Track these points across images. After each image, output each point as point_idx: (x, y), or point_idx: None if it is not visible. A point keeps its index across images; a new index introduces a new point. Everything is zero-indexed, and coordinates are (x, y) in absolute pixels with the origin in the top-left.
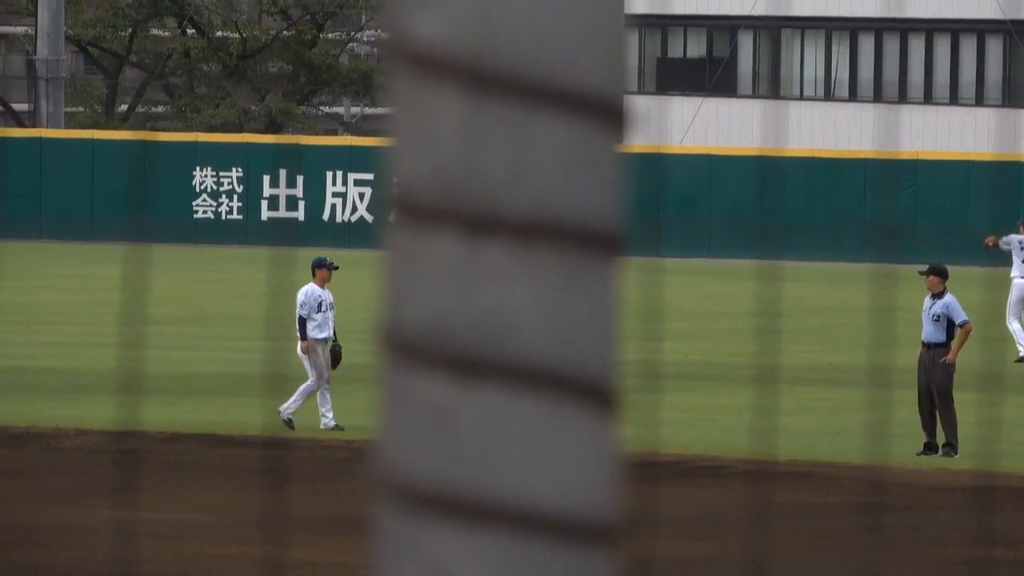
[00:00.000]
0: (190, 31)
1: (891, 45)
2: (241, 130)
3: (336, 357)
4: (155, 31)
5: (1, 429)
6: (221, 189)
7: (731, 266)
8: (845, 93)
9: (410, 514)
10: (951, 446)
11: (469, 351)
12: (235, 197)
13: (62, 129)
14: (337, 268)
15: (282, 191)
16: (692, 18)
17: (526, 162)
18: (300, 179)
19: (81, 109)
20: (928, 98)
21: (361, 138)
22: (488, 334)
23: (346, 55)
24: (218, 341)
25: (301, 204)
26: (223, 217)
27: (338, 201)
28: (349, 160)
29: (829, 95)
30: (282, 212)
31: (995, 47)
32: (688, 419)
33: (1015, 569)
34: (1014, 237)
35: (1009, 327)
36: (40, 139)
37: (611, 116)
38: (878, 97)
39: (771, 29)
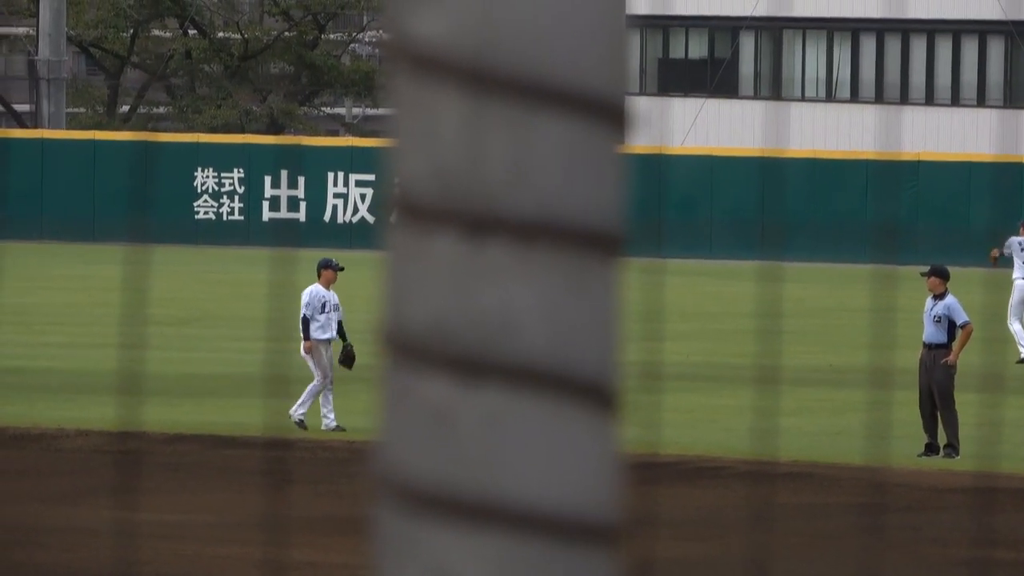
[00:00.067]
0: (192, 32)
1: (892, 46)
2: (242, 131)
3: (350, 357)
4: (156, 32)
5: (2, 429)
6: (222, 190)
7: (732, 267)
8: (847, 94)
9: (411, 514)
10: (952, 447)
11: (470, 351)
12: (236, 198)
13: (63, 130)
14: (343, 269)
15: (283, 192)
16: (693, 19)
17: (527, 162)
18: (301, 180)
19: (82, 110)
20: (930, 99)
21: (362, 139)
22: (489, 334)
23: (348, 56)
24: (219, 342)
25: (302, 205)
26: (224, 218)
27: (339, 202)
28: (350, 161)
29: (831, 96)
30: (283, 213)
31: (997, 48)
32: (689, 420)
33: (1016, 570)
34: (1014, 239)
35: (1010, 328)
36: (41, 140)
37: (612, 117)
38: (880, 98)
39: (773, 30)
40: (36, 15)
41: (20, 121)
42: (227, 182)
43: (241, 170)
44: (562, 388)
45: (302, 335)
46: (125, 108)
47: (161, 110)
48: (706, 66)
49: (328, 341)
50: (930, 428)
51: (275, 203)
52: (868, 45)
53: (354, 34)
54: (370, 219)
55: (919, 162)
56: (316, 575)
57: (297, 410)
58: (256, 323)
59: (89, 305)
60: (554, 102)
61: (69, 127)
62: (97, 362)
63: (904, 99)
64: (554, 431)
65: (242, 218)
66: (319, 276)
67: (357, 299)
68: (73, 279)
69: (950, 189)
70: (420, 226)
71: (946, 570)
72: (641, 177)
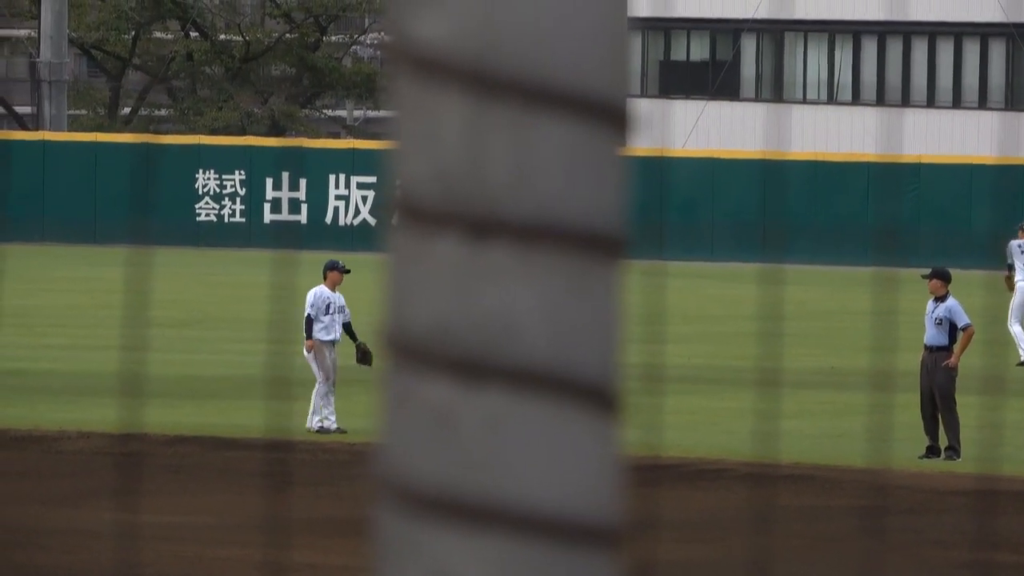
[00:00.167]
0: (193, 34)
1: (894, 48)
2: (244, 133)
3: (366, 354)
4: (158, 34)
5: (3, 431)
6: (224, 192)
7: (733, 269)
8: (848, 96)
9: (412, 516)
10: (953, 449)
11: (471, 354)
12: (238, 200)
13: (65, 132)
14: (348, 272)
15: (285, 194)
16: (695, 21)
17: (529, 165)
18: (303, 182)
19: (84, 112)
20: (931, 101)
21: (364, 141)
22: (490, 337)
23: (349, 58)
24: (220, 344)
25: (304, 207)
26: (226, 220)
27: (341, 204)
28: (352, 163)
29: (832, 98)
30: (285, 215)
31: (998, 50)
32: (690, 422)
33: (1017, 573)
34: (1014, 243)
35: (1010, 330)
36: (43, 142)
37: (614, 119)
38: (881, 100)
39: (774, 32)
40: (38, 17)
41: (22, 123)
42: (228, 184)
43: (242, 172)
44: (564, 390)
45: (305, 335)
46: (126, 110)
47: (162, 112)
48: (707, 68)
49: (332, 343)
50: (931, 430)
51: (276, 205)
52: (869, 47)
53: (355, 36)
54: (371, 221)
55: (920, 164)
56: None
57: (312, 421)
58: (257, 325)
59: (91, 307)
60: (556, 104)
61: (71, 129)
62: (98, 364)
63: (905, 102)
64: (555, 433)
65: (243, 220)
66: (325, 277)
67: (359, 301)
68: (75, 281)
69: (951, 191)
70: (422, 228)
71: (948, 573)
72: (642, 179)
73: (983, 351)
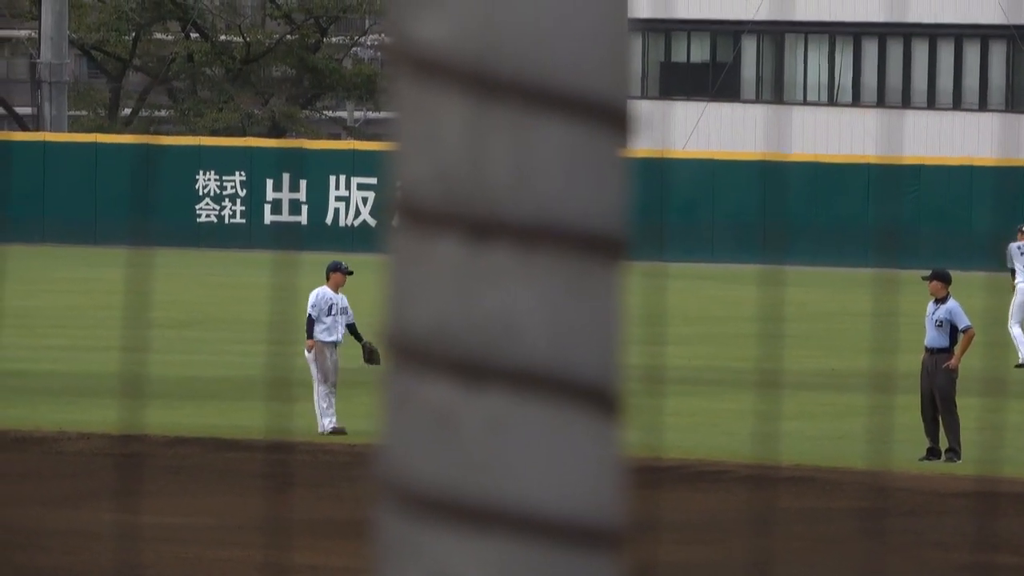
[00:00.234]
0: (193, 35)
1: (894, 50)
2: (244, 134)
3: (373, 354)
4: (158, 35)
5: (4, 432)
6: (224, 193)
7: (734, 271)
8: (848, 98)
9: (413, 518)
10: (954, 451)
11: (472, 355)
12: (238, 201)
13: (65, 133)
14: (351, 273)
15: (285, 195)
16: (696, 22)
17: (529, 166)
18: (303, 183)
19: (84, 113)
20: (931, 103)
21: (364, 142)
22: (491, 338)
23: (349, 59)
24: (221, 345)
25: (304, 208)
26: (226, 221)
27: (341, 205)
28: (352, 164)
29: (832, 100)
30: (285, 216)
31: (998, 52)
32: (690, 424)
33: (1018, 574)
34: (1013, 245)
35: (1011, 332)
36: (43, 143)
37: (615, 120)
38: (881, 102)
39: (775, 34)
40: (38, 18)
41: (22, 124)
42: (229, 185)
43: (243, 173)
44: (564, 392)
45: (306, 334)
46: (127, 111)
47: (163, 113)
48: (708, 70)
49: (334, 344)
50: (931, 432)
51: (277, 206)
52: (870, 49)
53: (356, 38)
54: (372, 222)
55: (921, 166)
56: None
57: (324, 424)
58: (258, 326)
59: (91, 308)
60: (556, 106)
61: (71, 130)
62: (99, 365)
63: (906, 103)
64: (556, 435)
65: (244, 221)
66: (328, 279)
67: (359, 302)
68: (75, 282)
69: (952, 193)
70: (422, 229)
71: (948, 574)
72: (643, 181)
73: (984, 353)
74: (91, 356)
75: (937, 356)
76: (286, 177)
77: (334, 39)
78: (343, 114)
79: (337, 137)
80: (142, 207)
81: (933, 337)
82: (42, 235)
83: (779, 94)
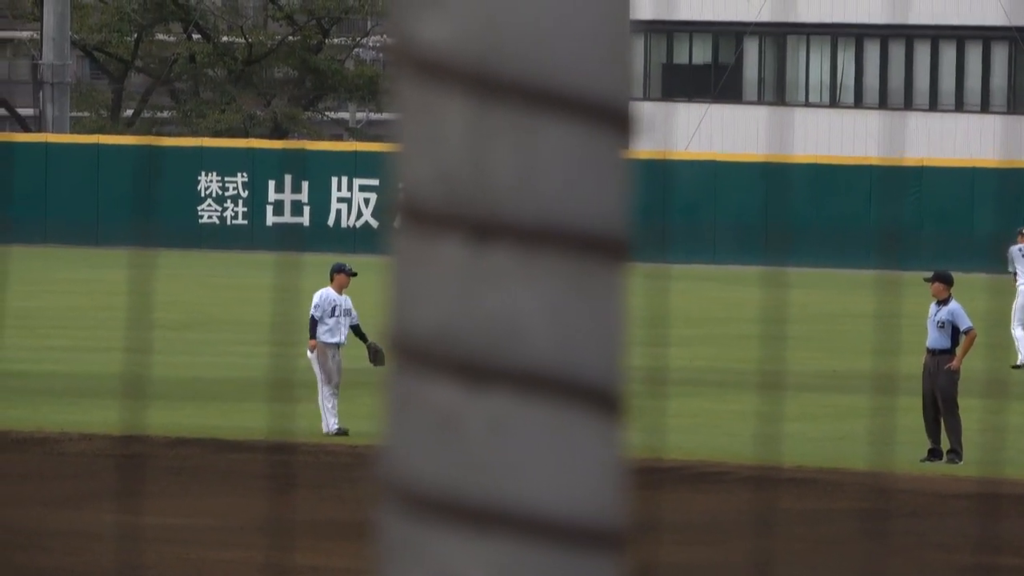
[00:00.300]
0: (196, 36)
1: (896, 51)
2: (246, 135)
3: (378, 354)
4: (161, 36)
5: (5, 433)
6: (226, 194)
7: (736, 272)
8: (850, 99)
9: (415, 519)
10: (955, 453)
11: (475, 356)
12: (240, 202)
13: (67, 134)
14: (355, 275)
15: (287, 196)
16: (697, 24)
17: (532, 167)
18: (305, 184)
19: (86, 114)
20: (933, 104)
21: (366, 143)
22: (494, 339)
23: (351, 60)
24: (223, 346)
25: (306, 209)
26: (228, 222)
27: (343, 206)
28: (354, 165)
29: (834, 101)
30: (287, 217)
31: (1000, 54)
32: (692, 425)
33: None
34: (1014, 248)
35: (1013, 334)
36: (45, 144)
37: (617, 121)
38: (883, 103)
39: (777, 35)
40: (40, 19)
41: (24, 125)
42: (231, 186)
43: (245, 174)
44: (567, 393)
45: (309, 335)
46: (129, 112)
47: (165, 114)
48: (710, 71)
49: (336, 345)
50: (933, 434)
51: (279, 207)
52: (872, 51)
53: (358, 39)
54: (374, 224)
55: (923, 167)
56: None
57: (329, 424)
58: (260, 327)
59: (93, 309)
60: (559, 107)
61: (73, 131)
62: (101, 366)
63: (908, 105)
64: (559, 436)
65: (246, 222)
66: (332, 280)
67: (360, 303)
68: (77, 283)
69: (954, 195)
70: (425, 231)
71: None
72: (645, 182)
73: (985, 354)
74: (93, 357)
75: (939, 357)
76: (288, 178)
77: (336, 40)
78: (345, 115)
79: (339, 138)
80: (144, 208)
81: (935, 339)
82: (44, 236)
83: (781, 95)
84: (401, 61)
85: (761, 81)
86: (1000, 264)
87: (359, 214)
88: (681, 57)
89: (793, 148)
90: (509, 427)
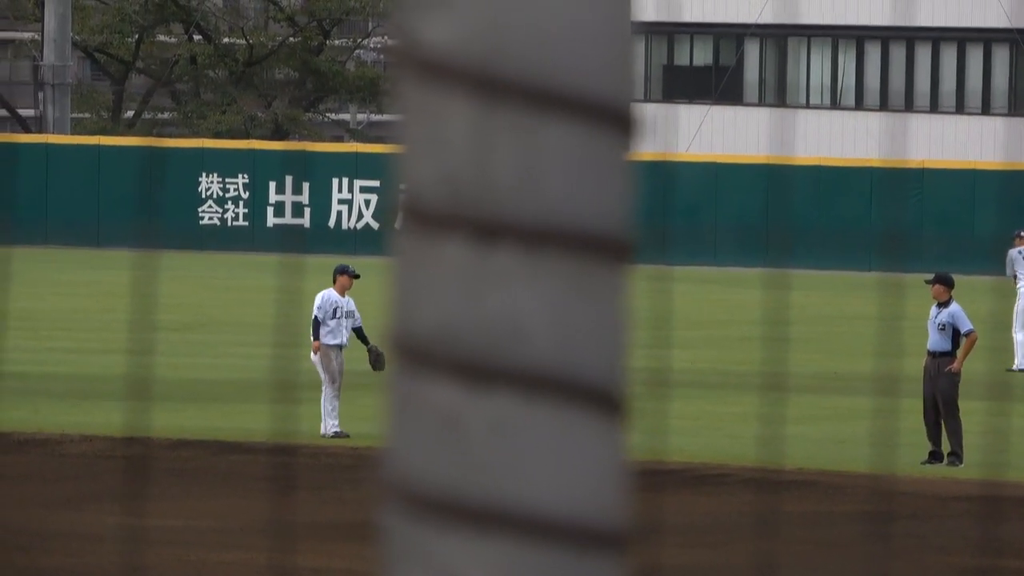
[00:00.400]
0: (197, 37)
1: (897, 53)
2: (247, 136)
3: (379, 358)
4: (162, 37)
5: (7, 434)
6: (227, 195)
7: (737, 274)
8: (851, 101)
9: (418, 520)
10: (955, 455)
11: (478, 357)
12: (241, 203)
13: (68, 135)
14: (358, 277)
15: (288, 198)
16: (699, 26)
17: (535, 168)
18: (306, 186)
19: (87, 115)
20: (934, 106)
21: (367, 145)
22: (497, 340)
23: (352, 62)
24: (224, 347)
25: (307, 211)
26: (229, 223)
27: (344, 208)
28: (355, 167)
29: (835, 103)
30: (288, 219)
31: (1002, 55)
32: (694, 427)
33: None
34: (1013, 251)
35: (1014, 336)
36: (46, 145)
37: (620, 122)
38: (884, 105)
39: (778, 37)
40: (41, 20)
41: (25, 126)
42: (232, 188)
43: (246, 176)
44: (570, 394)
45: (312, 337)
46: (130, 113)
47: (166, 115)
48: (711, 73)
49: (339, 347)
50: (934, 436)
51: (280, 209)
52: (873, 52)
53: (359, 40)
54: (374, 225)
55: (924, 170)
56: None
57: (327, 427)
58: (261, 329)
59: (94, 310)
60: (562, 108)
61: (74, 132)
62: (102, 367)
63: (909, 106)
64: (562, 437)
65: (247, 224)
66: (334, 281)
67: (362, 304)
68: (78, 285)
69: (955, 196)
70: (428, 232)
71: None
72: (646, 184)
73: (986, 357)
74: (94, 358)
75: (939, 360)
76: (289, 180)
77: (337, 42)
78: (346, 117)
79: (340, 140)
80: (145, 209)
81: (935, 341)
82: (45, 237)
83: (782, 97)
84: (404, 62)
85: (762, 83)
86: (1002, 266)
87: (360, 216)
88: (682, 59)
89: (794, 150)
90: (511, 428)
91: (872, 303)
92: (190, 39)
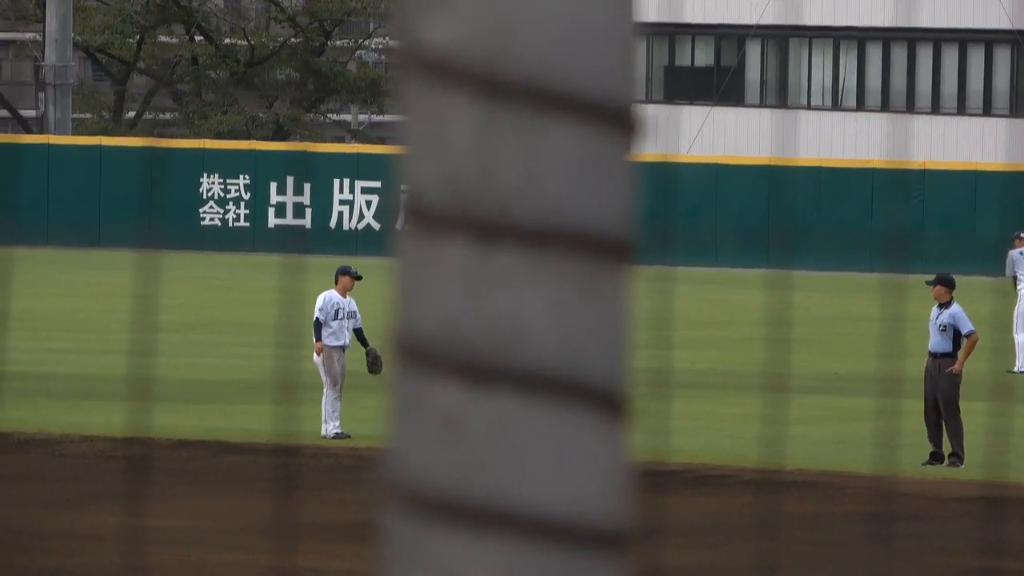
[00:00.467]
0: (198, 38)
1: (899, 54)
2: (248, 137)
3: (377, 361)
4: (163, 38)
5: (7, 434)
6: (228, 196)
7: (739, 275)
8: (853, 102)
9: (420, 520)
10: (956, 456)
11: (480, 357)
12: (242, 204)
13: (69, 135)
14: (360, 278)
15: (289, 198)
16: (700, 27)
17: (538, 169)
18: (307, 186)
19: (89, 115)
20: (936, 107)
21: (368, 146)
22: (499, 340)
23: (354, 62)
24: (225, 348)
25: (308, 211)
26: (230, 224)
27: (345, 208)
28: (356, 167)
29: (837, 104)
30: (289, 219)
31: (1003, 57)
32: (695, 427)
33: None
34: (1013, 252)
35: (1015, 337)
36: (48, 145)
37: (622, 123)
38: (886, 106)
39: (779, 38)
40: (43, 20)
41: (26, 127)
42: (233, 188)
43: (247, 176)
44: (572, 394)
45: (314, 338)
46: (131, 114)
47: (167, 116)
48: (712, 74)
49: (341, 348)
50: (935, 437)
51: (281, 209)
52: (874, 53)
53: (360, 41)
54: (376, 226)
55: (925, 171)
56: None
57: (328, 428)
58: (262, 329)
59: (95, 311)
60: (565, 109)
61: (75, 133)
62: (103, 368)
63: (910, 107)
64: (564, 437)
65: (248, 224)
66: (336, 282)
67: (363, 305)
68: (79, 285)
69: (956, 198)
70: (430, 232)
71: None
72: (648, 185)
73: (988, 358)
74: (95, 359)
75: (941, 361)
76: (290, 180)
77: (338, 42)
78: (347, 117)
79: (341, 140)
80: (146, 210)
81: (937, 342)
82: (46, 238)
83: (784, 98)
84: (407, 63)
85: (763, 84)
86: (1003, 267)
87: (361, 216)
88: (683, 60)
89: (796, 151)
90: (513, 428)
91: (873, 304)
92: (191, 40)
